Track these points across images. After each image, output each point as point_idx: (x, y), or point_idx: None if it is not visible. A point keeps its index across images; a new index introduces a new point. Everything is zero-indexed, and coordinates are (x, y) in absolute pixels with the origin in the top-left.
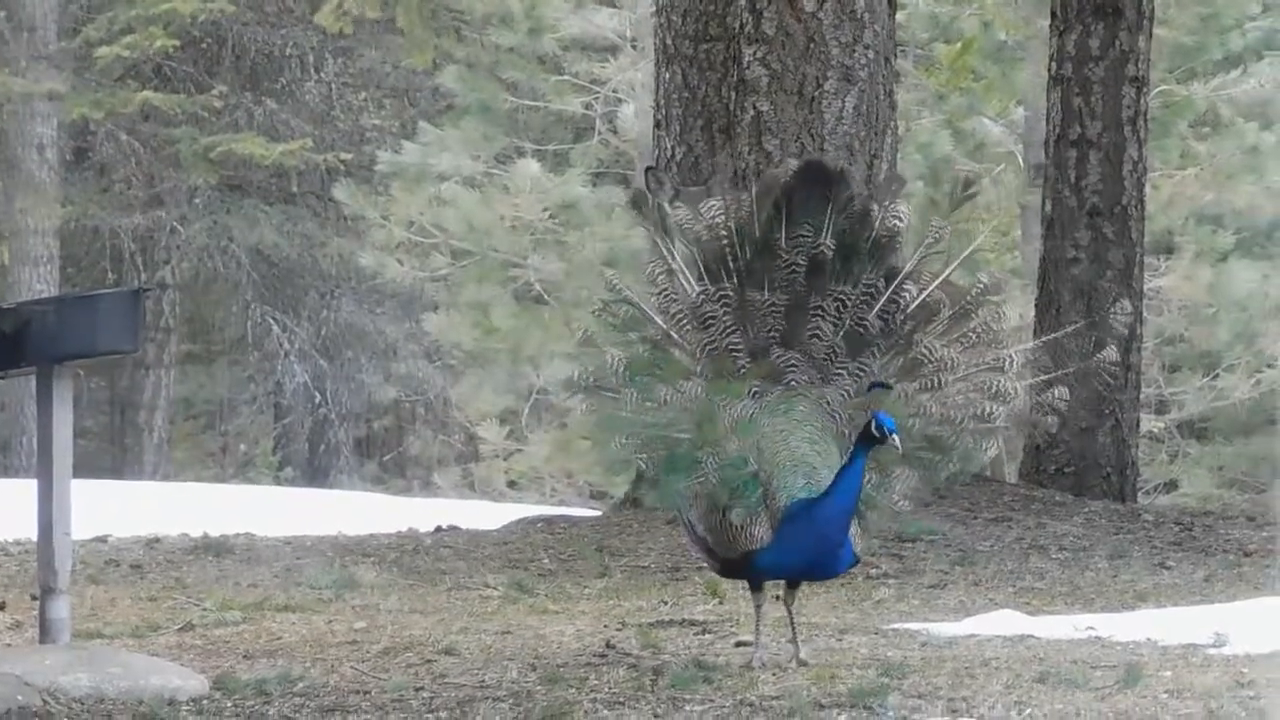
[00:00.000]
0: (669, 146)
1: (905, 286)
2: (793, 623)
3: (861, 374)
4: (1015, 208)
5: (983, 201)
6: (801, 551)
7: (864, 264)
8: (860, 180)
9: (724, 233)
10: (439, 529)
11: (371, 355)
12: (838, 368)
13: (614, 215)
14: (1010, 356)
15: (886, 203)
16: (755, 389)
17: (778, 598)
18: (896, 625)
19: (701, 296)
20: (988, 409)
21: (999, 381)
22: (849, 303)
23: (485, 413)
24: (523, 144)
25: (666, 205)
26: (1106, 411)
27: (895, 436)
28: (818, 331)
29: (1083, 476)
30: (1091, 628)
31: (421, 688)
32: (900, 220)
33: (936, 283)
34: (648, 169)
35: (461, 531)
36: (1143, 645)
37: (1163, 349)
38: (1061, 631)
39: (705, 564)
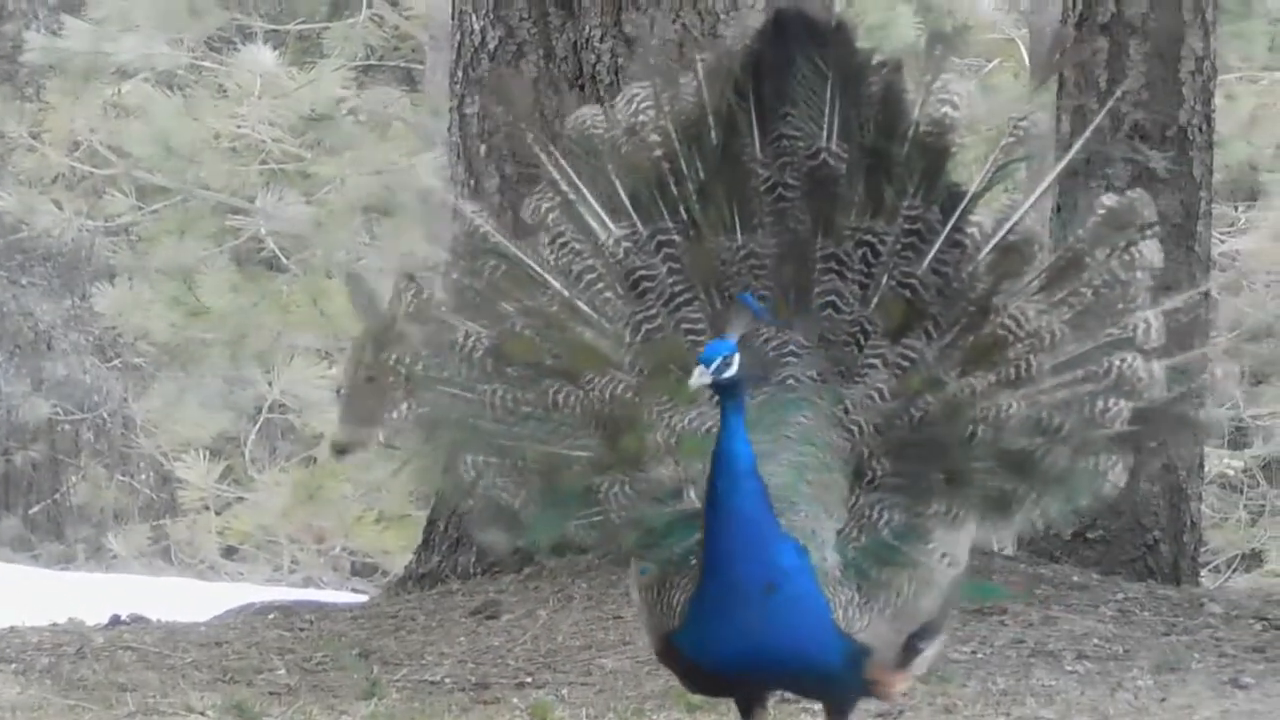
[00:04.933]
0: (477, 28)
1: (972, 219)
2: None
3: (908, 364)
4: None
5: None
6: (720, 616)
7: (902, 182)
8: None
9: (655, 138)
10: (116, 620)
11: (13, 350)
12: (868, 355)
13: (391, 133)
14: (1146, 321)
15: (928, 78)
16: None
17: None
18: None
19: (626, 245)
20: (1103, 405)
21: (1124, 362)
22: (883, 248)
23: (188, 440)
24: (250, 22)
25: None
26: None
27: (702, 368)
28: (834, 296)
29: (1116, 544)
30: None
31: None
32: (955, 106)
33: (1027, 205)
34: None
35: (151, 625)
36: None
37: (1242, 346)
38: None
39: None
